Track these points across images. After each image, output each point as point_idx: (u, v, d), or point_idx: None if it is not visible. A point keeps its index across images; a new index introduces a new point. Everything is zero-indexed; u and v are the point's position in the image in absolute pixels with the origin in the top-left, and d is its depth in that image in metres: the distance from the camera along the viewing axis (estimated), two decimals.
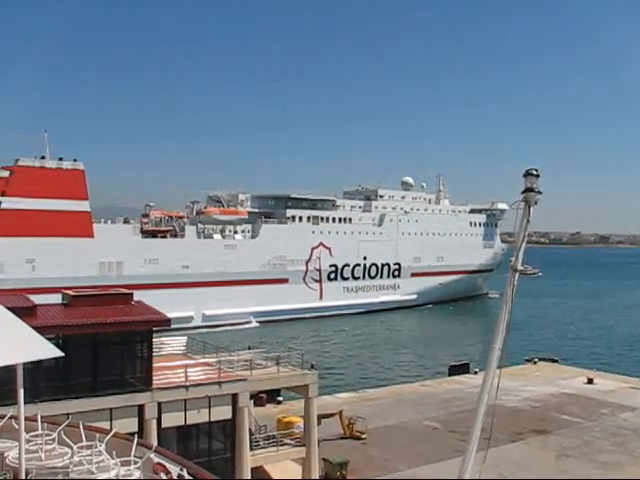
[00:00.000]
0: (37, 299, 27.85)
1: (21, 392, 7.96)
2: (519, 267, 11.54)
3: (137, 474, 8.60)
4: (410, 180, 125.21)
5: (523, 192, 11.37)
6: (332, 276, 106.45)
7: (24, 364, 7.78)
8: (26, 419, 8.61)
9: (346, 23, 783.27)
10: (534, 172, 11.32)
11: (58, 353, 7.92)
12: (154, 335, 27.65)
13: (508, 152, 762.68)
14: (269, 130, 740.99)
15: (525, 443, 38.70)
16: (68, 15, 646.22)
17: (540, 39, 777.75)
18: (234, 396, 28.29)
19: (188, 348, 34.23)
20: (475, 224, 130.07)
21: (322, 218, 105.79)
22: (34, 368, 21.03)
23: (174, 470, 8.81)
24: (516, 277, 11.53)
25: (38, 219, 76.33)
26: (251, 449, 29.17)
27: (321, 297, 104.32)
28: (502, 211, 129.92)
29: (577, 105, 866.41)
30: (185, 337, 35.68)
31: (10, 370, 7.73)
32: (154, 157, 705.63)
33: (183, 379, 27.22)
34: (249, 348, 40.71)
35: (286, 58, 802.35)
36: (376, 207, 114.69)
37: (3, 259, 74.74)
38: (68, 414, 17.07)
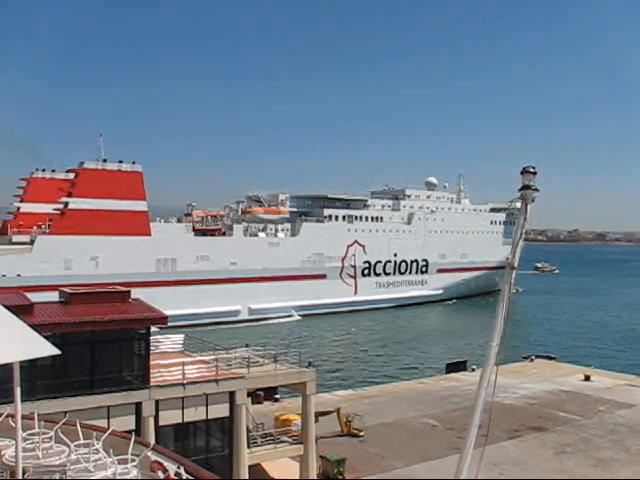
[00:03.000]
0: None
1: (18, 390, 7.94)
2: (516, 264, 11.52)
3: (134, 472, 8.59)
4: (434, 180, 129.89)
5: (520, 189, 11.33)
6: (366, 272, 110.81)
7: (21, 362, 7.76)
8: (23, 417, 8.59)
9: (347, 23, 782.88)
10: (531, 169, 11.27)
11: (55, 351, 7.89)
12: (151, 332, 27.57)
13: (506, 151, 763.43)
14: (268, 130, 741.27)
15: (523, 440, 38.75)
16: (68, 15, 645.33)
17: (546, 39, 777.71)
18: (231, 394, 28.25)
19: (185, 346, 34.19)
20: (495, 222, 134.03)
21: (356, 217, 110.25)
22: (31, 366, 20.99)
23: (172, 468, 8.79)
24: (513, 274, 11.51)
25: (101, 218, 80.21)
26: (249, 447, 29.16)
27: (356, 292, 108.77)
28: None
29: (578, 104, 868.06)
30: (182, 335, 35.65)
31: (7, 368, 7.70)
32: (154, 157, 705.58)
33: (180, 377, 27.17)
34: (247, 346, 40.69)
35: (286, 58, 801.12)
36: (404, 206, 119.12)
37: (71, 256, 78.61)
38: (65, 412, 17.00)
